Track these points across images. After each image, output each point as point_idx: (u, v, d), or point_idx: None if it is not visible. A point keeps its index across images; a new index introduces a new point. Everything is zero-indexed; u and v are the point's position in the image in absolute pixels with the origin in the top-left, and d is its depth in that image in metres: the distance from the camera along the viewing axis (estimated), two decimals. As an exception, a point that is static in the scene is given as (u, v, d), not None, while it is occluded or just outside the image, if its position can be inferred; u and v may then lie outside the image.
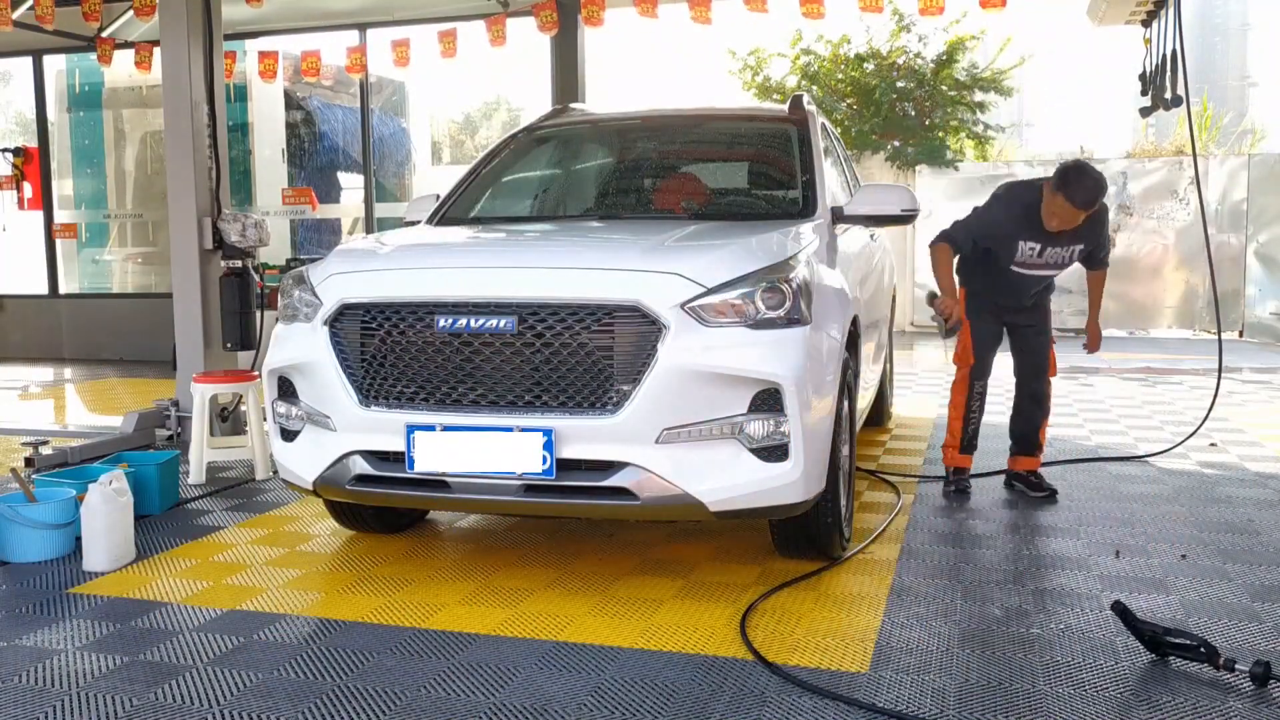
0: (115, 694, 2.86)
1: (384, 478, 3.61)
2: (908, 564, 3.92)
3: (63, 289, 12.17)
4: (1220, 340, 6.33)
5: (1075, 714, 2.68)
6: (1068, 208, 4.49)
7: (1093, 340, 5.41)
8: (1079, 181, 4.45)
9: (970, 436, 5.08)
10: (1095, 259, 5.01)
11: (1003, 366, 5.44)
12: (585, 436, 3.36)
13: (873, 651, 3.09)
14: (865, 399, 5.03)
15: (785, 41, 15.21)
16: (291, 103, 12.45)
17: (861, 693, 2.80)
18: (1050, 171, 4.68)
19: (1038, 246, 4.72)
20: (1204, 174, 13.12)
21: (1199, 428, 6.27)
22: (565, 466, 3.40)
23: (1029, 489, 5.02)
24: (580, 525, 4.45)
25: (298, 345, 3.76)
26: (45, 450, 5.48)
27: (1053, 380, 5.22)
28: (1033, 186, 4.72)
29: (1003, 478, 5.28)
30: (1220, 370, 6.25)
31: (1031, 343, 5.15)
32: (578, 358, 3.37)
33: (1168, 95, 6.55)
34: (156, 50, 8.14)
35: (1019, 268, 4.82)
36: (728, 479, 3.39)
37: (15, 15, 9.14)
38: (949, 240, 4.84)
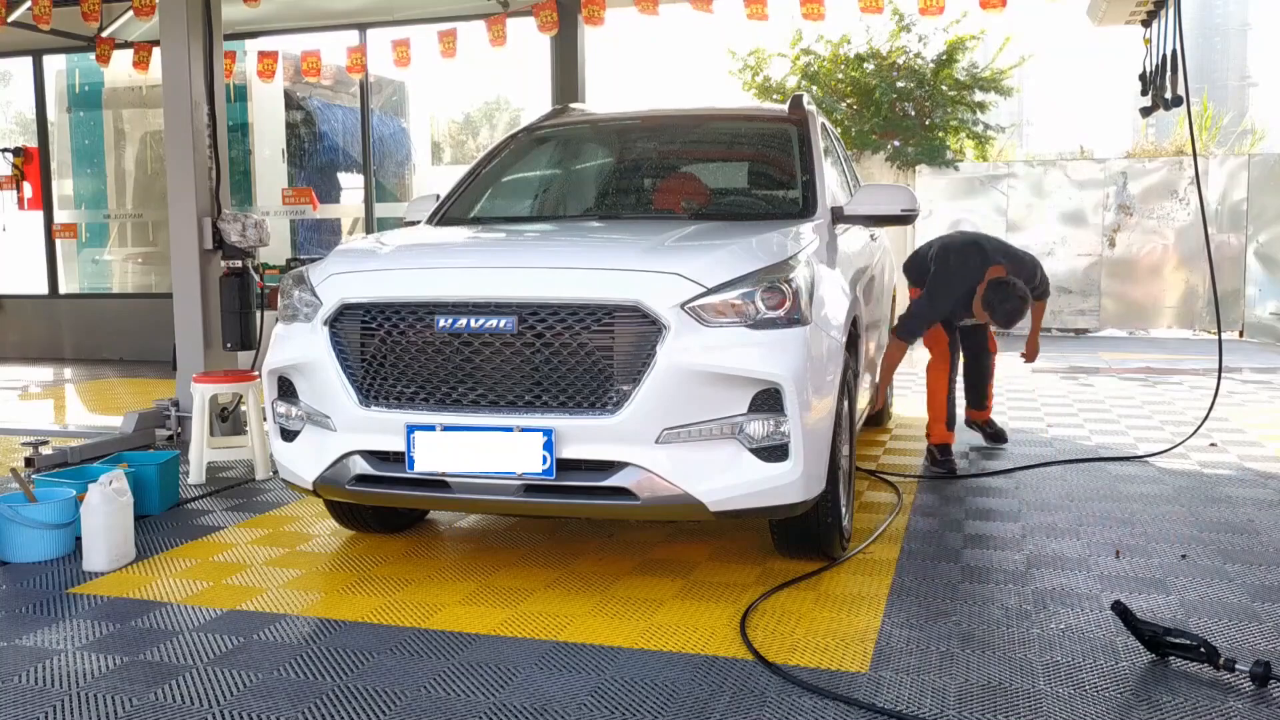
0: (115, 694, 2.86)
1: (384, 478, 3.61)
2: (908, 564, 3.92)
3: (63, 289, 12.17)
4: (1220, 340, 6.33)
5: (1075, 714, 2.67)
6: (992, 320, 5.30)
7: (1030, 352, 6.09)
8: (1002, 306, 5.18)
9: (952, 410, 5.54)
10: (1034, 295, 5.64)
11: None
12: (585, 436, 3.36)
13: (873, 651, 3.09)
14: (865, 399, 5.03)
15: (785, 41, 15.22)
16: (291, 103, 12.45)
17: (861, 693, 2.80)
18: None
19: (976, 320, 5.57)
20: (1204, 174, 13.12)
21: (1199, 428, 6.27)
22: (565, 466, 3.40)
23: (986, 438, 6.14)
24: (580, 525, 4.45)
25: (298, 345, 3.76)
26: (45, 450, 5.48)
27: (995, 355, 6.18)
28: (974, 268, 5.35)
29: (996, 480, 5.28)
30: (1220, 370, 6.25)
31: (972, 330, 5.92)
32: (578, 358, 3.37)
33: (1168, 95, 6.54)
34: (156, 50, 8.14)
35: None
36: (728, 479, 3.38)
37: (13, 16, 9.13)
38: (907, 336, 5.35)
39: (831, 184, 4.78)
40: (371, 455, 3.61)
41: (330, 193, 12.58)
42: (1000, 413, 7.30)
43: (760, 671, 2.95)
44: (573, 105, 5.88)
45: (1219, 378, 6.28)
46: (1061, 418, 7.06)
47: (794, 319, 3.45)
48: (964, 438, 6.38)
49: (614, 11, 8.68)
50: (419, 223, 4.79)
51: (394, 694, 2.84)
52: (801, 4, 8.06)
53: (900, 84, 14.51)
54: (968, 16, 14.33)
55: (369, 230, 11.45)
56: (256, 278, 6.33)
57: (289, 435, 3.90)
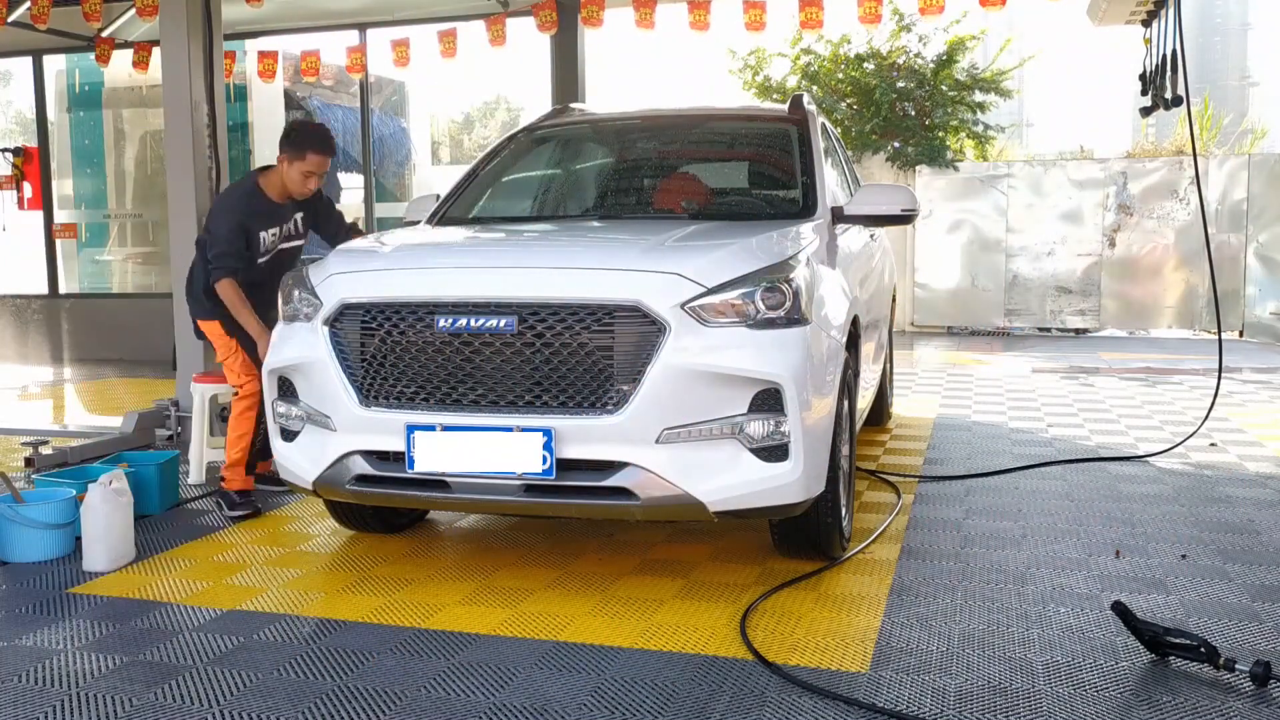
0: (115, 694, 2.86)
1: (384, 478, 3.61)
2: (908, 564, 3.92)
3: (63, 289, 12.17)
4: (1220, 340, 6.32)
5: (1075, 714, 2.68)
6: (317, 160, 4.72)
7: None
8: (312, 131, 4.76)
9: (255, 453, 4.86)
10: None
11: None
12: (585, 436, 3.36)
13: (873, 651, 3.09)
14: (865, 399, 5.03)
15: (785, 41, 15.21)
16: (291, 103, 12.45)
17: (861, 693, 2.80)
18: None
19: (275, 230, 4.87)
20: (1204, 174, 13.11)
21: (1199, 428, 6.27)
22: (565, 466, 3.40)
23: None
24: (580, 525, 4.45)
25: (298, 345, 3.76)
26: (45, 450, 5.47)
27: None
28: (248, 175, 4.86)
29: (996, 480, 5.29)
30: (1220, 370, 6.24)
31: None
32: (578, 358, 3.37)
33: (1168, 95, 6.54)
34: (156, 50, 8.14)
35: (265, 257, 4.86)
36: (728, 479, 3.38)
37: (13, 16, 9.12)
38: (228, 270, 4.68)
39: (831, 184, 4.78)
40: (371, 455, 3.61)
41: (330, 192, 12.55)
42: (1000, 413, 7.31)
43: (760, 671, 2.95)
44: (572, 105, 5.88)
45: (1219, 378, 6.28)
46: (1061, 418, 7.06)
47: (794, 319, 3.45)
48: (961, 437, 6.39)
49: (613, 12, 8.68)
50: (419, 223, 4.79)
51: (394, 694, 2.84)
52: (800, 11, 8.08)
53: (900, 84, 14.50)
54: (968, 16, 14.33)
55: (369, 230, 11.44)
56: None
57: (289, 435, 3.90)
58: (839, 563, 3.91)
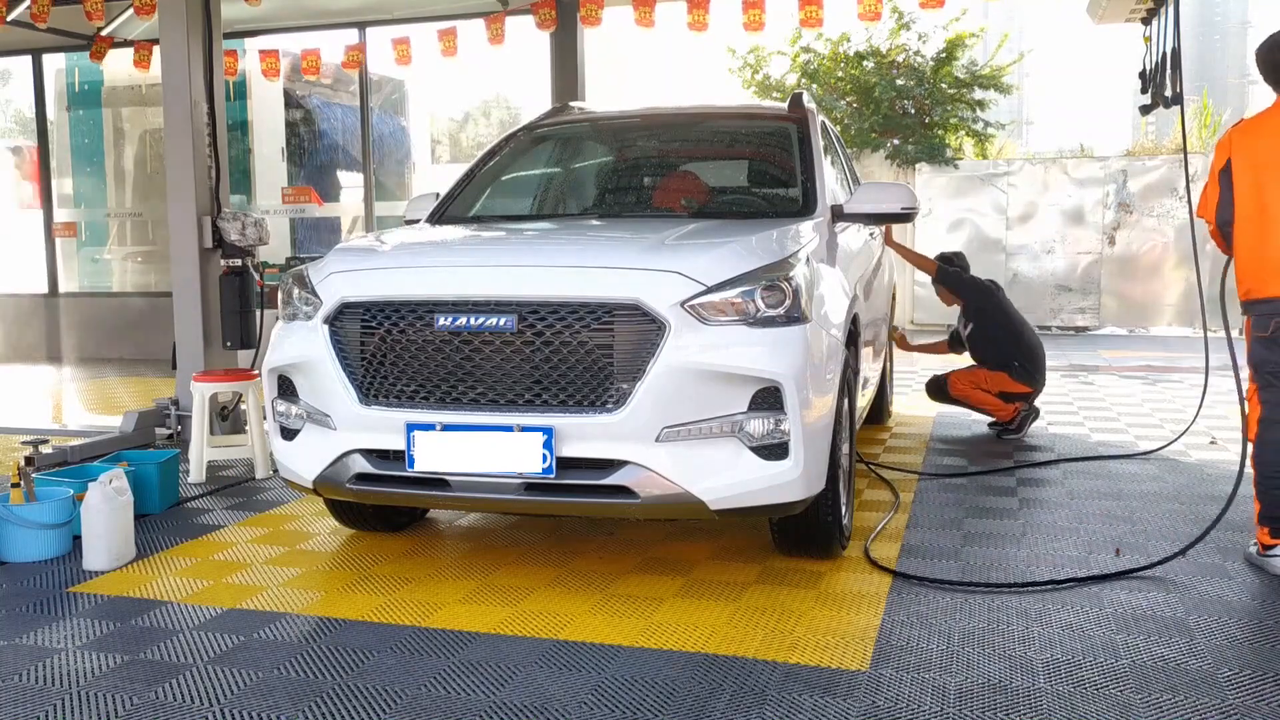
0: (115, 693, 2.86)
1: (384, 476, 3.61)
2: (908, 562, 3.92)
3: (62, 288, 12.16)
4: (1206, 338, 6.21)
5: (1075, 712, 2.67)
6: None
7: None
8: None
9: None
10: None
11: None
12: (585, 435, 3.36)
13: (873, 650, 3.09)
14: (865, 397, 5.03)
15: (785, 40, 15.22)
16: (291, 101, 12.45)
17: (862, 691, 2.80)
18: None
19: None
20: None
21: (1190, 425, 6.21)
22: (565, 465, 3.40)
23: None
24: (580, 524, 4.45)
25: (297, 344, 3.75)
26: (45, 449, 5.47)
27: None
28: None
29: (996, 478, 5.28)
30: (1207, 369, 6.14)
31: None
32: (578, 356, 3.36)
33: (1167, 93, 6.54)
34: (156, 49, 8.14)
35: None
36: (728, 477, 3.38)
37: (13, 15, 9.11)
38: None
39: (831, 182, 4.78)
40: (371, 454, 3.61)
41: (330, 191, 12.58)
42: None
43: (760, 669, 2.95)
44: (572, 103, 5.88)
45: (1206, 375, 6.19)
46: (1062, 416, 7.06)
47: (794, 317, 3.45)
48: (961, 435, 6.39)
49: (612, 10, 8.67)
50: (418, 221, 4.79)
51: (394, 692, 2.84)
52: (800, 10, 8.08)
53: (900, 82, 14.51)
54: (967, 14, 14.33)
55: (369, 229, 11.45)
56: (256, 276, 6.32)
57: (289, 434, 3.90)
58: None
